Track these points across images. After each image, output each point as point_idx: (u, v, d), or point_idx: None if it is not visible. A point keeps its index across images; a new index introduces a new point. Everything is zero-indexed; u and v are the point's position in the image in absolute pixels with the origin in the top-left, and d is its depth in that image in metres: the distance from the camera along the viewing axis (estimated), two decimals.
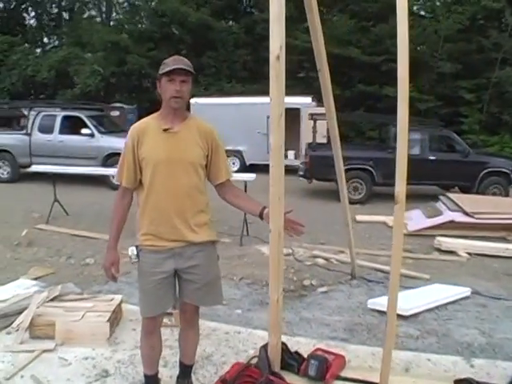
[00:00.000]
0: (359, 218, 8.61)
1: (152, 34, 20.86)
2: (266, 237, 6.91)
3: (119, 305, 3.97)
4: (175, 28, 20.54)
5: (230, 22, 21.22)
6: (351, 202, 10.13)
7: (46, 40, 25.89)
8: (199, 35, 20.02)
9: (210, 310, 4.29)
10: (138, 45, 20.45)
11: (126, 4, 24.59)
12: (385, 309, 4.11)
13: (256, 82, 18.13)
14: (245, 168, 14.45)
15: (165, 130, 2.55)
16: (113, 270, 2.65)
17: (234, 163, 14.89)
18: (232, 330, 3.84)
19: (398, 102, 1.99)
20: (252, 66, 19.25)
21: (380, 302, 4.19)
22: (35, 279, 5.08)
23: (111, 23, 23.87)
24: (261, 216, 2.60)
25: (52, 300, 3.97)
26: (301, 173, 11.25)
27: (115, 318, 3.82)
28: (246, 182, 7.34)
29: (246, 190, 7.21)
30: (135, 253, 2.62)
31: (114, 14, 24.82)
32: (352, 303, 4.58)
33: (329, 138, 13.49)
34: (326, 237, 7.21)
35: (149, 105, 20.70)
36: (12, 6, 25.88)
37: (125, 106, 18.66)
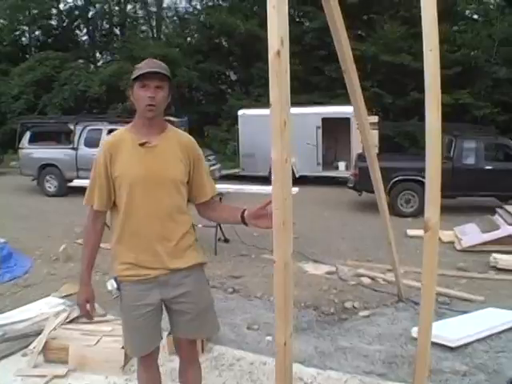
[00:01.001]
0: (411, 232, 8.06)
1: (201, 46, 20.99)
2: (312, 254, 6.70)
3: None
4: (224, 40, 20.57)
5: None
6: (403, 215, 9.74)
7: (98, 55, 26.60)
8: (248, 46, 19.95)
9: (238, 336, 4.01)
10: (187, 58, 20.60)
11: (175, 18, 24.92)
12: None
13: (305, 92, 17.83)
14: (294, 180, 14.11)
15: (141, 145, 2.24)
16: (88, 307, 2.35)
17: None
18: (258, 361, 3.52)
19: (426, 113, 1.63)
20: (302, 76, 18.94)
21: None
22: (65, 297, 4.94)
23: (161, 37, 24.22)
24: (244, 221, 2.28)
25: (71, 322, 3.79)
26: (350, 184, 10.82)
27: None
28: None
29: None
30: (115, 286, 2.31)
31: (164, 28, 25.20)
32: (395, 330, 4.15)
33: (380, 148, 13.10)
34: (374, 253, 6.74)
35: (198, 117, 20.80)
36: (64, 24, 26.80)
37: (173, 119, 18.72)
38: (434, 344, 3.37)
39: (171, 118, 18.85)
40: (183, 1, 23.84)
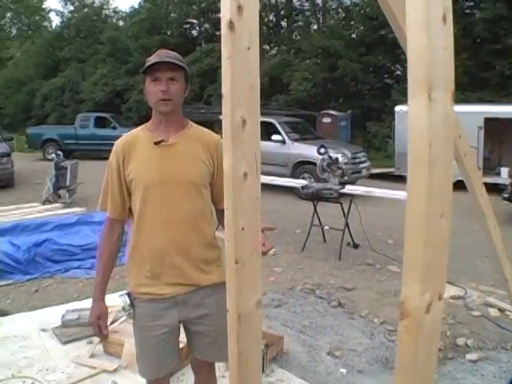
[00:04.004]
0: None
1: (364, 38, 20.18)
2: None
3: None
4: (387, 31, 19.49)
5: None
6: None
7: (266, 47, 27.02)
8: None
9: (311, 361, 3.56)
10: (350, 50, 19.96)
11: (339, 10, 24.35)
12: None
13: (478, 89, 16.16)
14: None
15: (157, 143, 1.98)
16: (100, 324, 2.14)
17: None
18: None
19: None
20: (473, 71, 17.21)
21: None
22: None
23: (324, 29, 23.87)
24: None
25: None
26: (505, 195, 9.55)
27: None
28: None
29: None
30: (128, 302, 2.08)
31: (332, 21, 24.75)
32: None
33: None
34: None
35: (361, 111, 20.08)
36: None
37: (335, 113, 18.31)
38: None
39: (333, 112, 18.52)
40: None
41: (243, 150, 1.18)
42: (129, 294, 2.10)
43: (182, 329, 2.21)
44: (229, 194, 1.18)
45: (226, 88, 1.15)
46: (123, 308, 2.10)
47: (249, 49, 1.15)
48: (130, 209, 2.08)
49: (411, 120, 1.02)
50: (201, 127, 2.15)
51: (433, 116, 0.99)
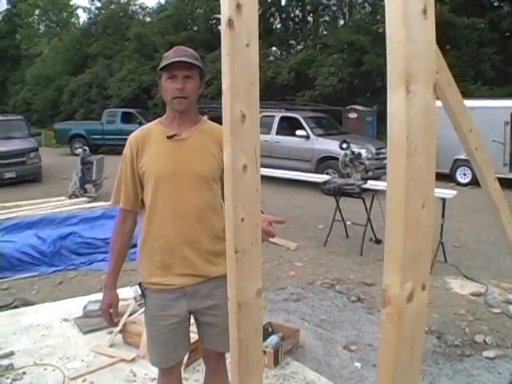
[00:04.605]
0: None
1: None
2: (467, 267, 5.85)
3: None
4: None
5: (473, 18, 19.03)
6: None
7: (293, 42, 26.83)
8: (439, 33, 18.39)
9: (327, 355, 3.59)
10: (376, 45, 19.75)
11: (366, 4, 24.08)
12: None
13: (506, 84, 15.87)
14: (477, 180, 12.69)
15: (169, 137, 2.04)
16: (111, 312, 2.18)
17: (465, 174, 13.21)
18: None
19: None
20: (501, 66, 16.91)
21: None
22: None
23: (351, 24, 23.64)
24: None
25: None
26: None
27: None
28: (444, 200, 6.07)
29: (443, 210, 6.04)
30: (139, 292, 2.14)
31: (358, 16, 24.47)
32: None
33: None
34: None
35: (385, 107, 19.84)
36: (259, 12, 27.51)
37: (361, 108, 18.15)
38: None
39: (359, 107, 18.37)
40: None
41: (243, 143, 1.22)
42: (140, 285, 2.16)
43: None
44: (229, 185, 1.23)
45: (225, 84, 1.20)
46: (135, 298, 2.16)
47: (248, 45, 1.19)
48: (142, 201, 2.14)
49: (390, 112, 1.04)
50: (214, 123, 2.18)
51: (411, 108, 1.01)
